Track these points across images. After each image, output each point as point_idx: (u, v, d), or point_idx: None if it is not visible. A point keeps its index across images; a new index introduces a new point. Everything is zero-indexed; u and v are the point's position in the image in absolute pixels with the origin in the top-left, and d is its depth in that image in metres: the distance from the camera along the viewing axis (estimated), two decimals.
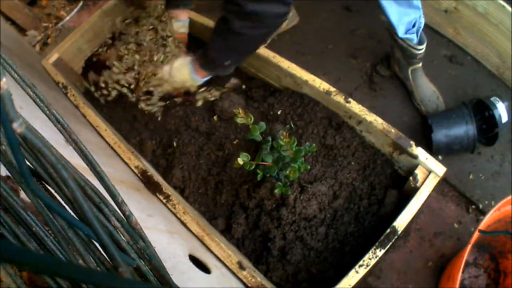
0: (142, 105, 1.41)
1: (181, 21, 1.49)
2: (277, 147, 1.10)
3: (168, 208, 1.17)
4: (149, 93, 1.43)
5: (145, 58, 1.41)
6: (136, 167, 1.26)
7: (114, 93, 1.46)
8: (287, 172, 1.09)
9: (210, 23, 1.51)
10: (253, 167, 1.08)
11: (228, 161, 1.36)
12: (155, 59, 1.39)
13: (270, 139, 1.16)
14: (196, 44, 1.62)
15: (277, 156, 1.11)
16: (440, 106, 1.46)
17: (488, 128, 1.34)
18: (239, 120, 1.08)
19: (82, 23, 1.70)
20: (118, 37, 1.58)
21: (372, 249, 1.04)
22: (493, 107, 1.27)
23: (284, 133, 1.04)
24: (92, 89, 1.53)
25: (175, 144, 1.44)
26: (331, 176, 1.25)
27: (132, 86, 1.42)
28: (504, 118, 1.27)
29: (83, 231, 0.42)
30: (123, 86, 1.43)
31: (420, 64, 1.43)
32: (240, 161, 1.05)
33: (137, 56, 1.42)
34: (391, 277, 1.25)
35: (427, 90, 1.46)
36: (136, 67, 1.41)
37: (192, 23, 1.56)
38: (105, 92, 1.47)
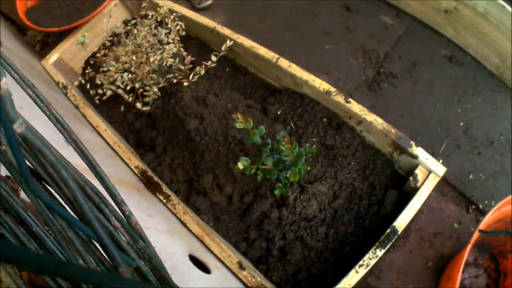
0: (139, 105, 1.41)
1: None
2: (277, 148, 1.09)
3: (168, 208, 1.17)
4: (146, 92, 1.43)
5: (141, 60, 1.42)
6: (136, 167, 1.26)
7: (108, 93, 1.46)
8: (288, 175, 1.08)
9: (210, 23, 1.51)
10: (254, 171, 1.06)
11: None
12: (151, 60, 1.39)
13: (269, 141, 1.15)
14: (196, 44, 1.63)
15: (277, 158, 1.10)
16: None
17: None
18: (238, 125, 1.05)
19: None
20: (117, 38, 1.59)
21: (372, 249, 1.04)
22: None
23: (286, 138, 1.03)
24: (88, 86, 1.53)
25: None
26: (331, 176, 1.25)
27: (128, 88, 1.42)
28: None
29: (83, 231, 0.42)
30: (118, 87, 1.43)
31: None
32: (240, 165, 1.03)
33: (134, 57, 1.42)
34: (391, 277, 1.25)
35: None
36: (132, 68, 1.41)
37: (192, 23, 1.56)
38: (100, 91, 1.47)
